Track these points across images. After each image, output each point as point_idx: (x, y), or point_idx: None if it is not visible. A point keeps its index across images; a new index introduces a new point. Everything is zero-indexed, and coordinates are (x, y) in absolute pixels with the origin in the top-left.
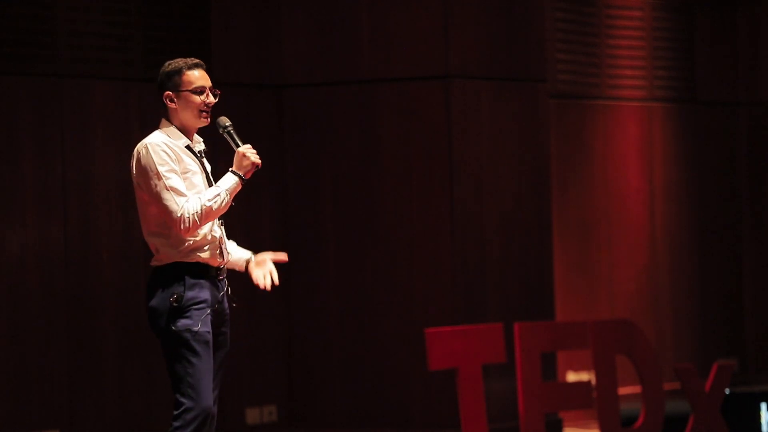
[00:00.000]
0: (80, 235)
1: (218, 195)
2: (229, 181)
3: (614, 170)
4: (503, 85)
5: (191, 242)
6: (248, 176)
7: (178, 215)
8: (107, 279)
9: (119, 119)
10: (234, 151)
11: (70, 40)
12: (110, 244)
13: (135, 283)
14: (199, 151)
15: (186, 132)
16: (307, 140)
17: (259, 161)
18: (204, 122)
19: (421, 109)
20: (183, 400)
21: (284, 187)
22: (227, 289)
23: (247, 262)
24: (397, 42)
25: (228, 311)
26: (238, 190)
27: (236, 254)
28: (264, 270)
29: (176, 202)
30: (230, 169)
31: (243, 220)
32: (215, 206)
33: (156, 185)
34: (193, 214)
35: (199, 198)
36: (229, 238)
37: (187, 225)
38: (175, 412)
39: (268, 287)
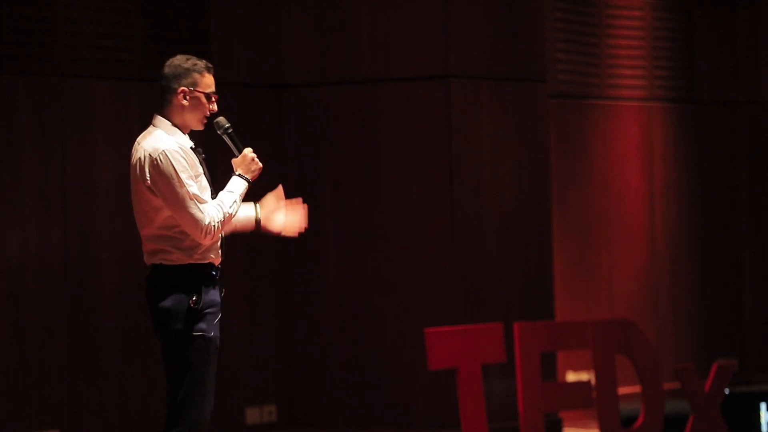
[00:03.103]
0: (80, 235)
1: (235, 201)
2: (241, 185)
3: (614, 170)
4: (503, 85)
5: (204, 246)
6: (254, 179)
7: (205, 223)
8: (107, 279)
9: (119, 119)
10: (230, 151)
11: (70, 40)
12: (110, 244)
13: (135, 283)
14: (199, 150)
15: (184, 131)
16: (307, 140)
17: (261, 165)
18: (202, 127)
19: (421, 109)
20: (187, 407)
21: (284, 187)
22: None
23: (257, 222)
24: (397, 42)
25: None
26: (244, 193)
27: (246, 214)
28: (282, 220)
29: (201, 210)
30: (237, 173)
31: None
32: (233, 213)
33: (178, 193)
34: (218, 222)
35: (220, 206)
36: (228, 239)
37: (212, 233)
38: (177, 418)
39: (303, 227)
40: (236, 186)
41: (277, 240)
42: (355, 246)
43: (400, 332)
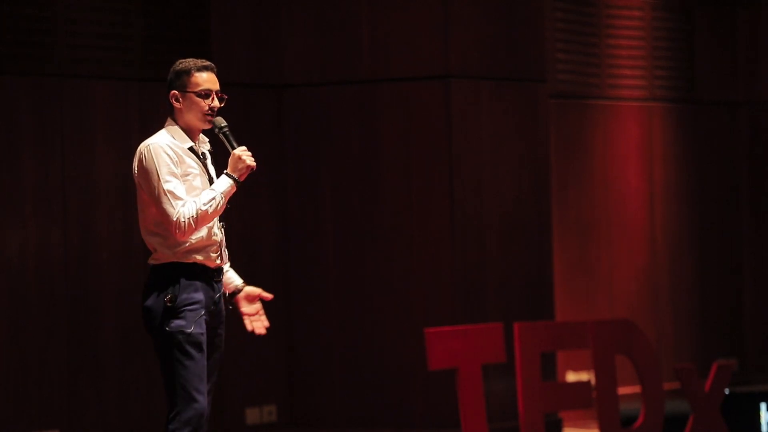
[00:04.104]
0: (80, 235)
1: (213, 199)
2: (224, 184)
3: (614, 170)
4: (503, 85)
5: (188, 244)
6: (242, 179)
7: (174, 219)
8: (107, 279)
9: (119, 119)
10: (229, 152)
11: (70, 40)
12: (110, 244)
13: (135, 283)
14: (203, 153)
15: (190, 132)
16: (307, 140)
17: (254, 164)
18: (208, 125)
19: (421, 109)
20: (176, 402)
21: (284, 187)
22: (224, 292)
23: (236, 289)
24: (397, 42)
25: (224, 313)
26: (232, 192)
27: (229, 275)
28: (253, 308)
29: (173, 206)
30: (225, 171)
31: (243, 220)
32: (210, 210)
33: (155, 188)
34: (188, 218)
35: (195, 202)
36: (228, 239)
37: (183, 229)
38: (170, 415)
39: (263, 332)
40: (220, 184)
41: (277, 240)
42: (355, 246)
43: (400, 332)
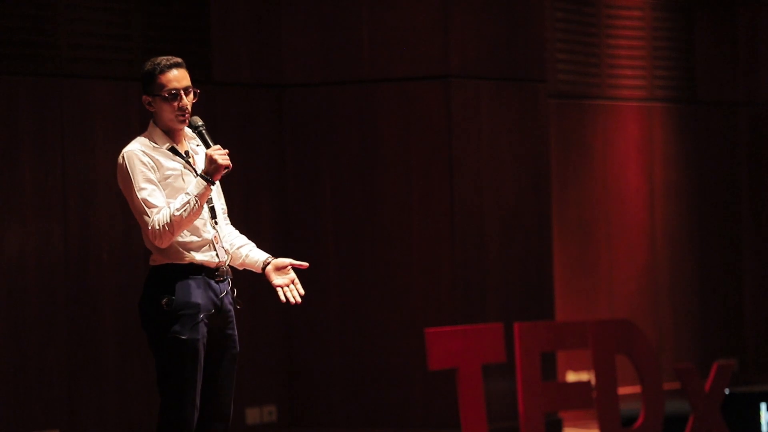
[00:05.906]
0: (80, 235)
1: (188, 203)
2: (198, 186)
3: (614, 170)
4: (503, 85)
5: (173, 245)
6: (217, 178)
7: (149, 227)
8: (107, 279)
9: (119, 119)
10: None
11: (70, 40)
12: (110, 244)
13: (135, 283)
14: (186, 151)
15: (171, 133)
16: (307, 140)
17: (228, 163)
18: (183, 125)
19: (421, 109)
20: (164, 407)
21: (284, 187)
22: (233, 291)
23: (265, 263)
24: (397, 42)
25: (232, 313)
26: (208, 194)
27: (253, 255)
28: (285, 279)
29: (148, 214)
30: (199, 173)
31: (243, 220)
32: (185, 214)
33: (132, 195)
34: (163, 225)
35: (170, 208)
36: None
37: (159, 236)
38: (158, 421)
39: (298, 300)
40: (194, 187)
41: (277, 240)
42: (355, 246)
43: (400, 332)
